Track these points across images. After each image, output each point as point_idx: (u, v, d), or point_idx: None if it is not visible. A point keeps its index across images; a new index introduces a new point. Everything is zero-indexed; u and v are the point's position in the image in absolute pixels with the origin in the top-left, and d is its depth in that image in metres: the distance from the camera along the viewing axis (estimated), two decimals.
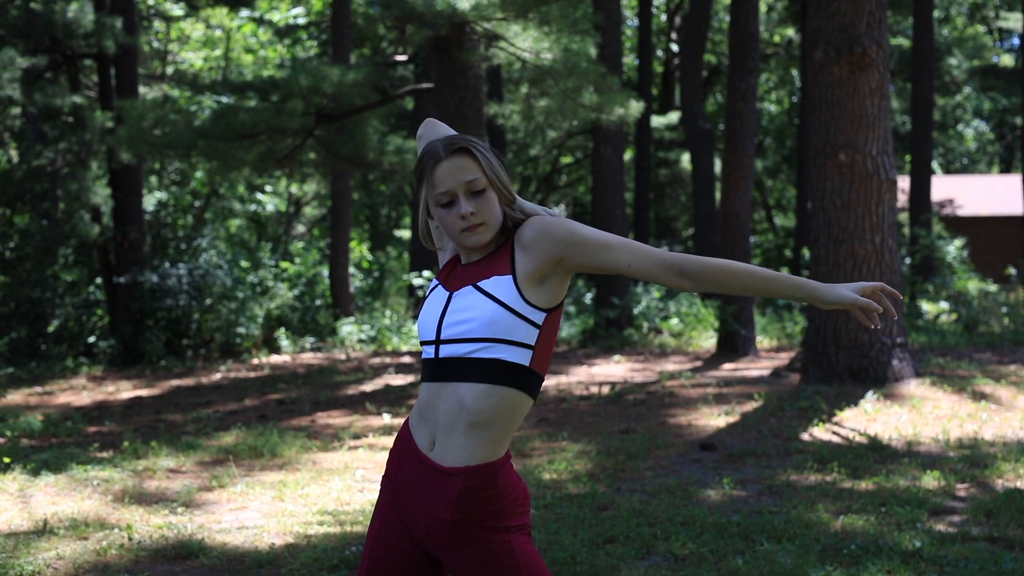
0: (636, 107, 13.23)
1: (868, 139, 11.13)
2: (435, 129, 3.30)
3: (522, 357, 2.94)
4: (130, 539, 6.40)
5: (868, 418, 9.47)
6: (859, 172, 11.12)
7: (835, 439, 8.83)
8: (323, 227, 32.10)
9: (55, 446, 9.34)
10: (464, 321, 2.93)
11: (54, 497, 7.44)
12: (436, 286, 3.08)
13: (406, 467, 3.01)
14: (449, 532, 2.92)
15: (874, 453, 8.23)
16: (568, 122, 13.47)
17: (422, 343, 3.02)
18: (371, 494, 7.51)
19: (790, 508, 6.82)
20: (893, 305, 11.06)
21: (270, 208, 29.64)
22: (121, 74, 17.54)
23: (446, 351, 2.95)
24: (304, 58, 27.38)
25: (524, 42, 12.72)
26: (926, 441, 8.67)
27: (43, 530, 6.56)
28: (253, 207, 28.92)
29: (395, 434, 9.31)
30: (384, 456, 8.69)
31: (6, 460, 8.29)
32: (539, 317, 2.96)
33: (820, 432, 9.09)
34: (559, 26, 12.33)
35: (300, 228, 33.13)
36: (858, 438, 8.78)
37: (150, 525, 6.71)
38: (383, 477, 3.09)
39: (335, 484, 7.75)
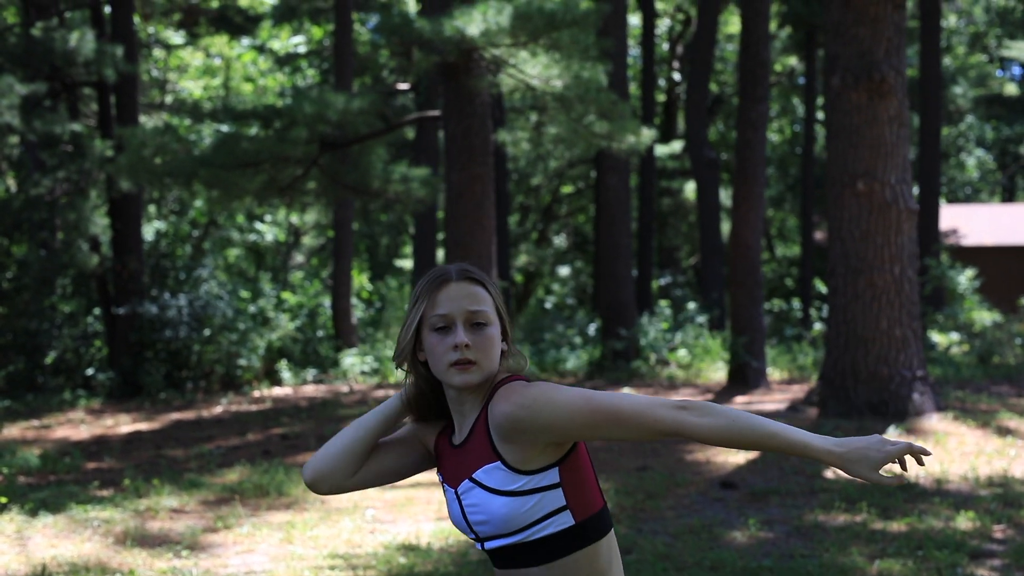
0: (647, 135, 13.00)
1: (887, 167, 10.90)
2: None
3: (564, 521, 2.62)
4: None
5: None
6: (877, 201, 10.88)
7: None
8: (322, 257, 31.85)
9: (53, 484, 9.03)
10: (486, 522, 2.62)
11: (53, 539, 7.13)
12: (443, 482, 2.76)
13: None
14: None
15: (903, 492, 7.94)
16: (577, 150, 13.22)
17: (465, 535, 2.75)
18: (382, 535, 7.21)
19: (822, 551, 6.53)
20: (913, 337, 10.83)
21: (269, 238, 29.40)
22: (121, 102, 17.30)
23: (492, 545, 2.65)
24: (307, 86, 27.24)
25: (533, 68, 12.51)
26: (955, 479, 8.39)
27: (41, 575, 6.26)
28: (252, 237, 28.68)
29: None
30: (395, 495, 8.39)
31: (2, 500, 7.99)
32: (553, 476, 2.61)
33: None
34: (569, 52, 12.12)
35: (299, 258, 32.89)
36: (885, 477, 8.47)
37: (153, 570, 6.42)
38: None
39: (345, 525, 7.46)
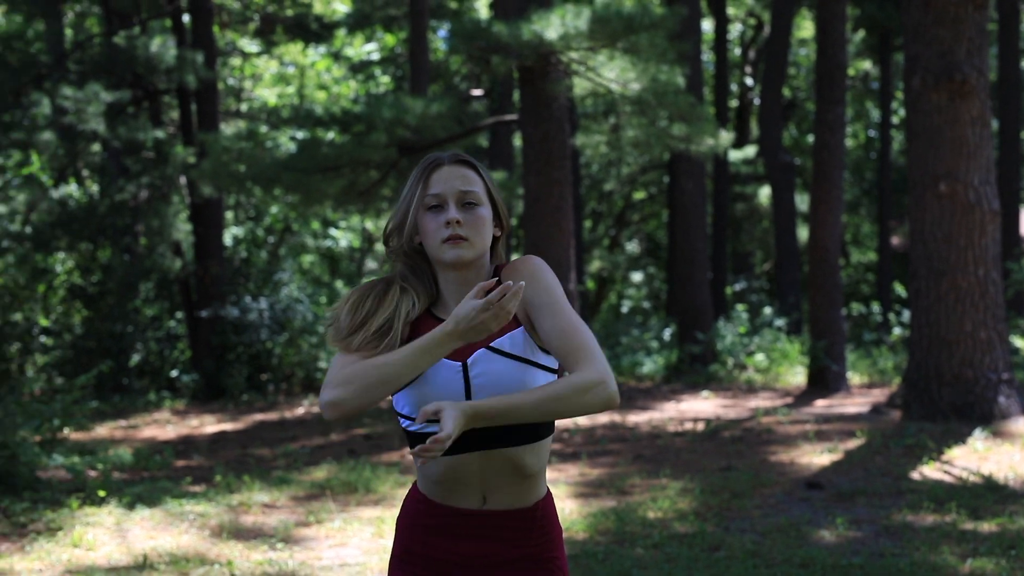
0: (726, 137, 13.01)
1: (969, 168, 10.81)
2: None
3: None
4: (232, 575, 6.24)
5: (979, 457, 9.12)
6: (960, 202, 10.80)
7: (947, 478, 8.49)
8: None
9: (147, 480, 9.23)
10: (499, 392, 2.67)
11: (151, 531, 7.31)
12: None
13: (468, 532, 2.78)
14: (527, 565, 2.80)
15: (992, 493, 7.89)
16: (654, 153, 13.24)
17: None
18: None
19: (912, 550, 6.52)
20: (998, 340, 10.72)
21: (343, 244, 29.67)
22: (202, 108, 17.59)
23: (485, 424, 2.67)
24: (383, 92, 27.47)
25: (611, 72, 12.57)
26: None
27: (143, 565, 6.44)
28: (327, 243, 28.95)
29: None
30: None
31: (101, 493, 8.18)
32: (554, 362, 2.77)
33: (931, 471, 8.76)
34: (647, 56, 12.15)
35: (372, 264, 33.17)
36: (972, 477, 8.43)
37: (250, 561, 6.56)
38: (397, 559, 2.85)
39: None
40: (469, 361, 2.71)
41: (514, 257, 2.88)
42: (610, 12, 11.52)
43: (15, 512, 7.66)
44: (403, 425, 2.80)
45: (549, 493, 2.89)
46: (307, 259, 29.23)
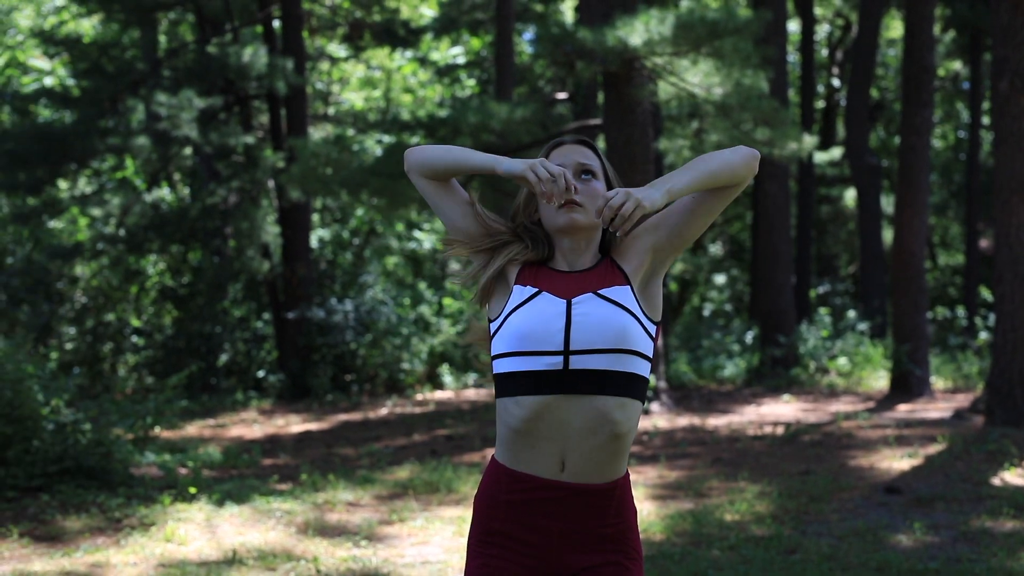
0: (809, 141, 12.99)
1: None
2: None
3: (647, 370, 2.92)
4: (317, 571, 6.45)
5: None
6: None
7: None
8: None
9: (236, 477, 9.50)
10: (599, 332, 2.83)
11: (239, 527, 7.54)
12: (537, 292, 2.91)
13: (522, 510, 2.89)
14: (604, 545, 2.89)
15: None
16: None
17: (532, 353, 2.83)
18: None
19: (990, 556, 6.54)
20: None
21: (427, 246, 29.96)
22: (291, 114, 17.92)
23: (578, 362, 2.82)
24: (468, 96, 27.70)
25: (694, 77, 12.62)
26: None
27: (232, 560, 6.66)
28: (412, 244, 29.25)
29: None
30: None
31: (192, 490, 8.45)
32: (653, 329, 2.94)
33: (1012, 477, 8.72)
34: (731, 60, 12.19)
35: (455, 266, 33.45)
36: None
37: (335, 558, 6.75)
38: (476, 538, 2.96)
39: None
40: (574, 301, 2.88)
41: None
42: (694, 18, 11.58)
43: (110, 507, 7.94)
44: (497, 370, 2.92)
45: (627, 475, 2.97)
46: (391, 261, 29.59)
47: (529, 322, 2.85)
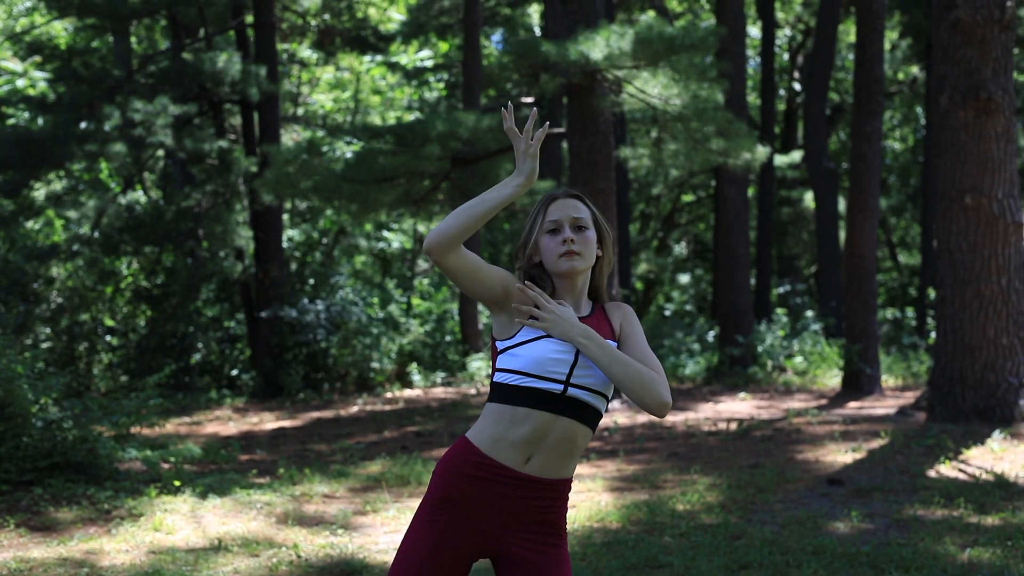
0: (762, 152, 13.57)
1: (994, 182, 11.35)
2: None
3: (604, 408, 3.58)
4: (298, 556, 6.95)
5: (995, 456, 9.67)
6: (985, 215, 11.33)
7: (961, 476, 9.06)
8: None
9: (216, 472, 9.98)
10: (597, 377, 3.45)
11: (223, 518, 8.03)
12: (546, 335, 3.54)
13: (511, 491, 3.43)
14: (543, 528, 3.47)
15: (1001, 490, 8.45)
16: (695, 165, 13.85)
17: (539, 376, 3.42)
18: None
19: (917, 540, 7.10)
20: (1020, 346, 11.23)
21: (395, 246, 30.39)
22: (264, 119, 18.37)
23: (574, 393, 3.43)
24: (435, 101, 28.15)
25: (653, 89, 13.18)
26: None
27: (218, 547, 7.15)
28: (381, 244, 29.67)
29: None
30: None
31: (176, 483, 8.94)
32: None
33: (947, 469, 9.32)
34: (687, 74, 12.75)
35: (423, 265, 33.88)
36: (984, 476, 8.99)
37: (314, 545, 7.26)
38: (432, 504, 3.45)
39: None
40: None
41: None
42: (652, 33, 12.13)
43: (100, 500, 8.41)
44: (501, 380, 3.47)
45: (572, 479, 3.59)
46: (359, 260, 30.01)
47: (542, 353, 3.44)
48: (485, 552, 3.46)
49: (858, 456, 10.02)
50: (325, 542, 7.33)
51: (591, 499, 8.61)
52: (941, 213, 11.63)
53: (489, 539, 3.45)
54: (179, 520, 7.92)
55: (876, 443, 10.55)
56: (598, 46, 12.08)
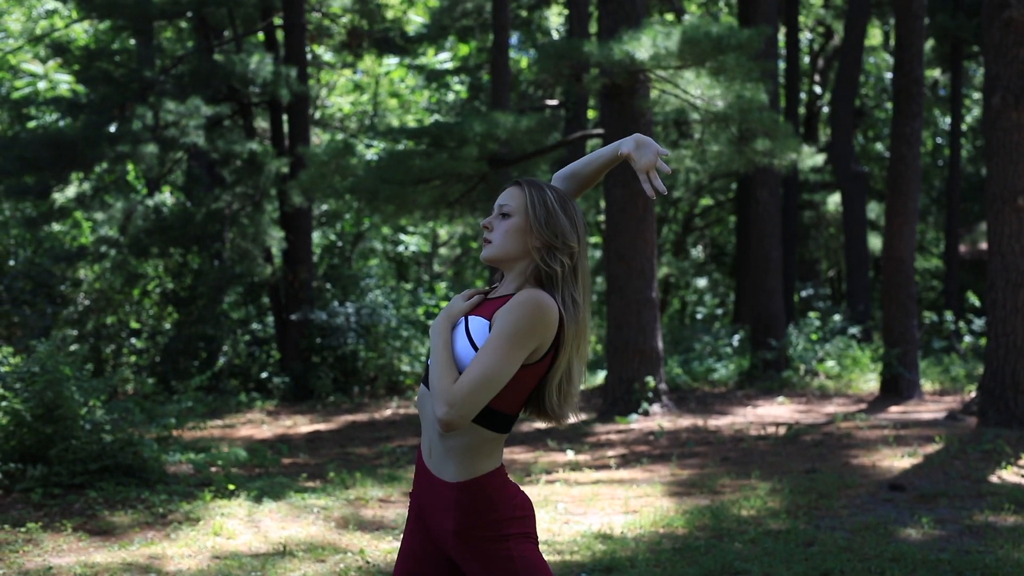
0: (808, 152, 13.44)
1: None
2: None
3: None
4: (366, 562, 6.82)
5: None
6: None
7: None
8: (461, 266, 32.66)
9: (263, 475, 9.85)
10: (452, 350, 3.21)
11: (281, 522, 7.91)
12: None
13: (421, 479, 3.33)
14: (454, 540, 3.23)
15: None
16: (738, 167, 13.70)
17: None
18: (577, 525, 7.84)
19: (996, 548, 6.97)
20: None
21: (412, 249, 30.27)
22: (293, 120, 18.25)
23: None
24: (459, 105, 28.05)
25: (696, 89, 13.05)
26: None
27: (283, 552, 7.03)
28: (400, 248, 29.57)
29: (583, 469, 9.63)
30: (580, 491, 9.02)
31: (231, 487, 8.82)
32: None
33: (1008, 475, 9.18)
34: (733, 74, 12.62)
35: (436, 268, 33.73)
36: None
37: (380, 550, 7.13)
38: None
39: (542, 516, 8.09)
40: (460, 321, 3.28)
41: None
42: (699, 33, 12.01)
43: (154, 503, 8.29)
44: None
45: (476, 484, 3.22)
46: (373, 263, 29.92)
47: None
48: None
49: (915, 461, 9.88)
50: (389, 547, 7.20)
51: (651, 504, 8.48)
52: (992, 215, 11.50)
53: (426, 528, 3.45)
54: (238, 525, 7.79)
55: (931, 448, 10.41)
56: (644, 46, 11.95)
